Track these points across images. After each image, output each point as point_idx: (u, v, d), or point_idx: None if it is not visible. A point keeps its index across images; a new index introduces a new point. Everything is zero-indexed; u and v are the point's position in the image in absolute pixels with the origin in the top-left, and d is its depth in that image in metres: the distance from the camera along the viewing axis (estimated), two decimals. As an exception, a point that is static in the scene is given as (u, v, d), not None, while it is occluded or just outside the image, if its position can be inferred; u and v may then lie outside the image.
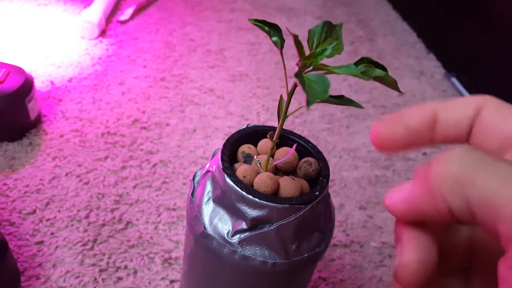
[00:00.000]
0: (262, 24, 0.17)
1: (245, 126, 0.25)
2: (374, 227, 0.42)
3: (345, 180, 0.47)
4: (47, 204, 0.39)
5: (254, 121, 0.54)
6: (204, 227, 0.22)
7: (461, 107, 0.15)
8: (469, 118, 0.14)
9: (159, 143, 0.47)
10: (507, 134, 0.14)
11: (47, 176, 0.41)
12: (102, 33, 0.64)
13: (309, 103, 0.14)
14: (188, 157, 0.47)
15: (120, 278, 0.34)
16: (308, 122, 0.55)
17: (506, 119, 0.14)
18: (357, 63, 0.17)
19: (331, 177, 0.47)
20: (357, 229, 0.41)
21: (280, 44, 0.17)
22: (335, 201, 0.44)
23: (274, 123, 0.54)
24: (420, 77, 0.67)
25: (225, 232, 0.21)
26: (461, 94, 0.64)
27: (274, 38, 0.17)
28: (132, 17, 0.69)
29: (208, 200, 0.22)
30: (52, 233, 0.36)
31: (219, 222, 0.22)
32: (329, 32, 0.17)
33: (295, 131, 0.55)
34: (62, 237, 0.36)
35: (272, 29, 0.17)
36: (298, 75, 0.15)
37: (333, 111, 0.57)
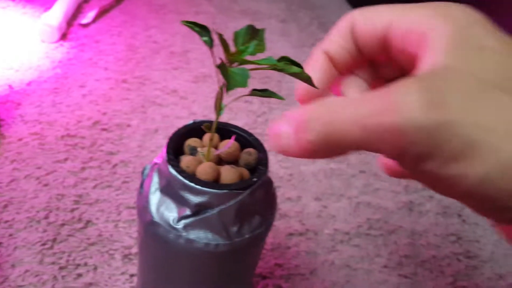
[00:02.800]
0: (192, 25, 0.18)
1: (191, 122, 0.26)
2: (328, 216, 0.44)
3: (303, 174, 0.50)
4: (5, 206, 0.39)
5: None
6: (152, 215, 0.23)
7: (341, 34, 0.19)
8: (350, 40, 0.19)
9: (120, 143, 0.48)
10: (378, 33, 0.17)
11: (5, 179, 0.41)
12: (63, 36, 0.63)
13: (228, 89, 0.16)
14: (150, 156, 0.48)
15: (80, 275, 0.35)
16: (271, 120, 0.57)
17: (373, 21, 0.17)
18: (278, 60, 0.19)
19: (290, 171, 0.50)
20: (312, 219, 0.44)
21: (210, 44, 0.19)
22: (293, 193, 0.46)
23: (237, 122, 0.56)
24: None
25: (171, 219, 0.23)
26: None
27: (205, 38, 0.19)
28: (94, 20, 0.70)
29: (155, 190, 0.24)
30: (10, 235, 0.37)
31: (166, 210, 0.23)
32: (253, 34, 0.19)
33: (258, 129, 0.58)
34: (20, 238, 0.36)
35: (203, 30, 0.19)
36: (221, 66, 0.17)
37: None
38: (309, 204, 0.46)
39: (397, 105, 0.12)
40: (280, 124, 0.16)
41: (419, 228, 0.44)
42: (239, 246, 0.23)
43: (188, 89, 0.60)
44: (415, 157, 0.13)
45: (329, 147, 0.15)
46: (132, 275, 0.35)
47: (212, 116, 0.56)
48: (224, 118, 0.56)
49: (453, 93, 0.12)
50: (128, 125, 0.51)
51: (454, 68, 0.13)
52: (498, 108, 0.12)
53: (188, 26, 0.18)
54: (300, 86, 0.20)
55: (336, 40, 0.19)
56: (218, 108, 0.22)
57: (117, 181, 0.44)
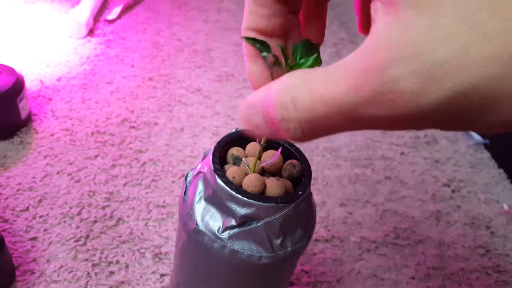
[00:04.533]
0: (252, 41, 0.18)
1: (234, 130, 0.27)
2: (354, 223, 0.44)
3: (327, 178, 0.50)
4: (40, 201, 0.40)
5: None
6: (196, 224, 0.24)
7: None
8: None
9: (148, 142, 0.49)
10: None
11: (38, 174, 0.42)
12: (90, 32, 0.64)
13: None
14: (177, 156, 0.48)
15: (112, 273, 0.36)
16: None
17: None
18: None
19: (314, 175, 0.50)
20: (338, 225, 0.44)
21: (269, 62, 0.19)
22: (317, 198, 0.47)
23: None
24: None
25: (216, 228, 0.23)
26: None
27: (264, 54, 0.19)
28: (119, 16, 0.70)
29: (200, 199, 0.24)
30: (45, 230, 0.37)
31: (210, 219, 0.23)
32: (310, 48, 0.19)
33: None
34: (55, 233, 0.37)
35: (263, 46, 0.19)
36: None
37: (316, 112, 0.59)
38: (334, 209, 0.46)
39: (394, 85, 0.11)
40: (249, 112, 0.15)
41: (447, 239, 0.44)
42: (282, 259, 0.23)
43: (212, 88, 0.60)
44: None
45: (309, 137, 0.14)
46: (162, 275, 0.36)
47: (237, 117, 0.56)
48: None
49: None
50: (156, 123, 0.52)
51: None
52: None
53: (249, 42, 0.18)
54: (249, 76, 0.19)
55: (256, 11, 0.18)
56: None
57: (146, 179, 0.44)
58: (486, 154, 0.57)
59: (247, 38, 0.18)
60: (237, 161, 0.25)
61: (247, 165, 0.24)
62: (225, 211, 0.23)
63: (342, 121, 0.13)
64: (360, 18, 0.18)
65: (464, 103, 0.11)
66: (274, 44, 0.19)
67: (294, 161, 0.25)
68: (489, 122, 0.11)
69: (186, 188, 0.25)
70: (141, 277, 0.36)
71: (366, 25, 0.18)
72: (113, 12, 0.69)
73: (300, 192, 0.23)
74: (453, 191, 0.50)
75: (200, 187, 0.24)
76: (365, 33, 0.18)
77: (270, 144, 0.26)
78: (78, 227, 0.38)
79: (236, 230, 0.23)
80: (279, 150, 0.24)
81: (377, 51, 0.11)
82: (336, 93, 0.12)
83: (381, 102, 0.11)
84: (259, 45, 0.18)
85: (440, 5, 0.11)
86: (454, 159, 0.55)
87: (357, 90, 0.12)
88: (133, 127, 0.50)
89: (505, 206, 0.49)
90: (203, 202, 0.24)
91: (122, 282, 0.35)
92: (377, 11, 0.12)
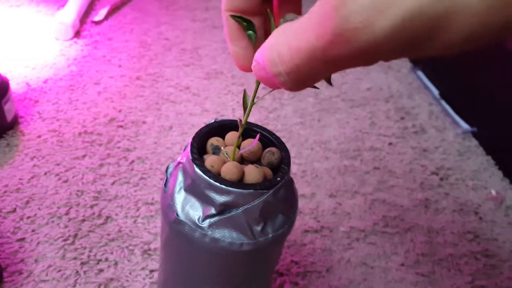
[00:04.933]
0: (240, 20, 0.19)
1: (213, 121, 0.27)
2: (343, 213, 0.45)
3: (316, 171, 0.50)
4: (27, 202, 0.40)
5: (230, 117, 0.56)
6: (177, 214, 0.24)
7: None
8: None
9: (136, 140, 0.49)
10: None
11: (26, 175, 0.42)
12: (77, 34, 0.64)
13: None
14: (165, 153, 0.48)
15: (101, 270, 0.36)
16: (282, 116, 0.57)
17: None
18: None
19: (303, 168, 0.50)
20: (327, 216, 0.44)
21: (253, 38, 0.19)
22: (307, 190, 0.47)
23: (249, 119, 0.56)
24: (388, 71, 0.70)
25: (196, 217, 0.23)
26: (426, 87, 0.67)
27: (249, 32, 0.19)
28: (106, 17, 0.70)
29: (180, 189, 0.24)
30: (33, 230, 0.37)
31: (190, 209, 0.24)
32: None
33: (269, 125, 0.58)
34: (43, 234, 0.37)
35: (248, 24, 0.19)
36: None
37: (305, 106, 0.59)
38: (323, 201, 0.46)
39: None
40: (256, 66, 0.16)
41: (436, 225, 0.44)
42: (263, 245, 0.23)
43: (200, 86, 0.60)
44: None
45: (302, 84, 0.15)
46: (152, 271, 0.36)
47: (226, 113, 0.56)
48: (237, 114, 0.57)
49: None
50: (144, 122, 0.52)
51: None
52: None
53: (236, 20, 0.19)
54: (234, 57, 0.20)
55: None
56: (251, 102, 0.22)
57: (134, 177, 0.44)
58: (474, 142, 0.57)
59: (233, 16, 0.19)
60: (216, 150, 0.25)
61: (226, 154, 0.25)
62: (205, 200, 0.23)
63: (320, 66, 0.14)
64: None
65: (414, 27, 0.11)
66: (257, 22, 0.19)
67: (273, 149, 0.25)
68: (444, 42, 0.12)
69: (166, 179, 0.25)
70: (130, 273, 0.36)
71: None
72: (100, 14, 0.69)
73: (279, 178, 0.23)
74: (441, 179, 0.51)
75: (180, 177, 0.24)
76: None
77: (249, 133, 0.26)
78: (66, 226, 0.38)
79: (216, 218, 0.23)
80: (257, 137, 0.24)
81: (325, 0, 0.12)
82: (307, 42, 0.13)
83: (342, 41, 0.12)
84: (245, 22, 0.19)
85: None
86: (442, 148, 0.56)
87: (322, 36, 0.12)
88: (121, 126, 0.50)
89: (493, 192, 0.50)
90: (183, 192, 0.24)
91: (112, 279, 0.35)
92: None
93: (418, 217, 0.45)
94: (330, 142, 0.54)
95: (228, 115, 0.56)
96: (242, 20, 0.19)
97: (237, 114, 0.57)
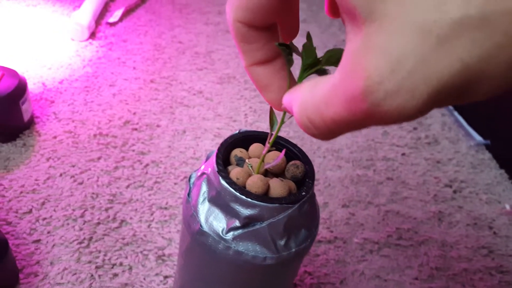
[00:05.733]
0: (285, 48, 0.19)
1: (237, 132, 0.27)
2: (356, 224, 0.44)
3: (329, 180, 0.50)
4: (43, 203, 0.40)
5: (242, 122, 0.56)
6: (201, 225, 0.24)
7: None
8: None
9: (150, 144, 0.49)
10: None
11: (41, 176, 0.42)
12: (92, 35, 0.64)
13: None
14: (179, 157, 0.48)
15: (115, 275, 0.36)
16: (294, 123, 0.57)
17: None
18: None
19: (316, 176, 0.50)
20: (340, 226, 0.44)
21: (289, 63, 0.19)
22: (319, 199, 0.47)
23: (262, 124, 0.56)
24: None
25: (220, 229, 0.23)
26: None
27: (289, 57, 0.19)
28: (121, 19, 0.70)
29: (203, 200, 0.24)
30: (48, 232, 0.38)
31: (214, 221, 0.24)
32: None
33: (282, 132, 0.58)
34: (58, 236, 0.37)
35: (288, 49, 0.19)
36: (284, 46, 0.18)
37: (318, 113, 0.59)
38: (336, 210, 0.46)
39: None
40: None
41: (450, 239, 0.44)
42: (286, 260, 0.23)
43: (213, 90, 0.60)
44: None
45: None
46: (166, 277, 0.36)
47: (238, 119, 0.56)
48: (249, 120, 0.57)
49: None
50: (158, 125, 0.52)
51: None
52: None
53: (281, 49, 0.19)
54: (272, 104, 0.20)
55: (249, 50, 0.18)
56: (281, 122, 0.22)
57: (149, 181, 0.44)
58: (487, 155, 0.57)
59: (280, 44, 0.18)
60: (240, 162, 0.25)
61: (251, 166, 0.25)
62: (229, 212, 0.23)
63: (351, 128, 0.14)
64: (328, 2, 0.18)
65: (441, 97, 0.12)
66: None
67: (297, 162, 0.25)
68: (472, 99, 0.12)
69: (189, 189, 0.26)
70: (144, 279, 0.36)
71: (333, 8, 0.19)
72: (115, 15, 0.70)
73: (304, 193, 0.23)
74: (454, 191, 0.50)
75: (204, 188, 0.24)
76: (333, 15, 0.19)
77: (273, 144, 0.26)
78: (81, 229, 0.38)
79: (240, 231, 0.23)
80: (283, 151, 0.24)
81: (351, 78, 0.12)
82: (340, 115, 0.14)
83: (374, 119, 0.13)
84: (286, 48, 0.19)
85: (392, 13, 0.11)
86: (456, 160, 0.55)
87: (353, 113, 0.13)
88: (136, 129, 0.50)
89: (507, 207, 0.49)
90: (207, 203, 0.24)
91: (126, 284, 0.35)
92: (346, 26, 0.13)
93: (431, 230, 0.45)
94: (342, 151, 0.54)
95: (241, 120, 0.56)
96: (285, 47, 0.19)
97: (249, 119, 0.57)
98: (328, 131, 0.15)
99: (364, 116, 0.13)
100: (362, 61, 0.12)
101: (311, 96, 0.15)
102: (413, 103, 0.12)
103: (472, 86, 0.11)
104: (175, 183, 0.45)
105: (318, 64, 0.19)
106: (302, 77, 0.20)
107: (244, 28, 0.17)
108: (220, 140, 0.53)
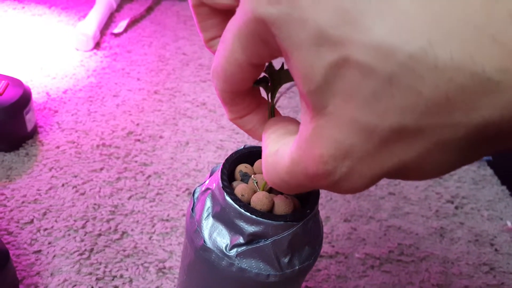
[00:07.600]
0: (264, 84, 0.20)
1: (242, 147, 0.27)
2: (358, 239, 0.44)
3: (330, 194, 0.50)
4: (44, 214, 0.40)
5: (245, 134, 0.56)
6: (204, 241, 0.24)
7: None
8: None
9: (153, 155, 0.49)
10: None
11: (44, 186, 0.42)
12: (97, 45, 0.65)
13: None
14: (181, 169, 0.48)
15: (116, 287, 0.35)
16: (296, 136, 0.57)
17: None
18: None
19: (317, 190, 0.50)
20: (342, 241, 0.44)
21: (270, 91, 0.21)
22: (321, 213, 0.47)
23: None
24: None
25: (224, 245, 0.23)
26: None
27: (268, 85, 0.20)
28: (125, 29, 0.71)
29: (207, 215, 0.24)
30: (49, 243, 0.37)
31: (218, 237, 0.24)
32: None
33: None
34: (59, 247, 0.37)
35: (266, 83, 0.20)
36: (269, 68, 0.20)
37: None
38: (337, 225, 0.46)
39: None
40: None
41: (451, 256, 0.44)
42: (289, 277, 0.23)
43: (216, 102, 0.60)
44: None
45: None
46: (166, 290, 0.36)
47: (241, 131, 0.57)
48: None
49: None
50: (161, 137, 0.52)
51: None
52: None
53: (261, 86, 0.20)
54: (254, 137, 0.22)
55: (236, 110, 0.21)
56: None
57: (150, 192, 0.44)
58: (489, 171, 0.57)
59: (257, 83, 0.20)
60: (245, 177, 0.25)
61: (256, 182, 0.25)
62: (233, 229, 0.23)
63: (319, 187, 0.16)
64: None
65: (382, 177, 0.14)
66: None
67: (302, 179, 0.25)
68: (407, 179, 0.15)
69: (193, 204, 0.26)
70: (144, 292, 0.36)
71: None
72: (120, 26, 0.70)
73: (309, 210, 0.23)
74: (456, 207, 0.50)
75: (208, 203, 0.24)
76: None
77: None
78: (82, 240, 0.38)
79: (244, 248, 0.23)
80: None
81: (311, 160, 0.14)
82: (304, 185, 0.16)
83: (333, 189, 0.15)
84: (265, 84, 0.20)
85: (341, 111, 0.13)
86: (457, 176, 0.55)
87: (315, 185, 0.15)
88: (138, 140, 0.51)
89: (509, 223, 0.49)
90: (211, 219, 0.24)
91: (126, 297, 0.35)
92: (302, 108, 0.15)
93: (433, 246, 0.45)
94: (344, 165, 0.54)
95: (244, 132, 0.57)
96: (264, 82, 0.20)
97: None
98: (295, 191, 0.17)
99: (327, 184, 0.15)
100: (318, 147, 0.14)
101: (272, 168, 0.17)
102: (362, 182, 0.14)
103: (409, 172, 0.13)
104: (177, 195, 0.45)
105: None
106: (274, 95, 0.21)
107: (229, 95, 0.19)
108: (223, 152, 0.53)
